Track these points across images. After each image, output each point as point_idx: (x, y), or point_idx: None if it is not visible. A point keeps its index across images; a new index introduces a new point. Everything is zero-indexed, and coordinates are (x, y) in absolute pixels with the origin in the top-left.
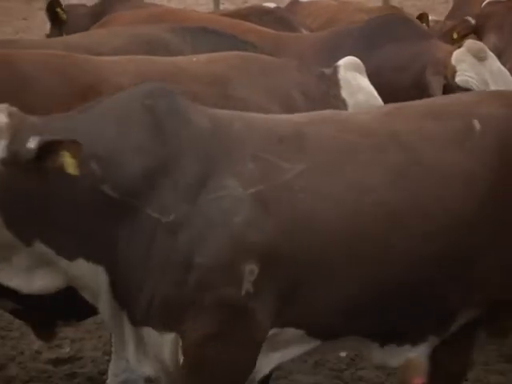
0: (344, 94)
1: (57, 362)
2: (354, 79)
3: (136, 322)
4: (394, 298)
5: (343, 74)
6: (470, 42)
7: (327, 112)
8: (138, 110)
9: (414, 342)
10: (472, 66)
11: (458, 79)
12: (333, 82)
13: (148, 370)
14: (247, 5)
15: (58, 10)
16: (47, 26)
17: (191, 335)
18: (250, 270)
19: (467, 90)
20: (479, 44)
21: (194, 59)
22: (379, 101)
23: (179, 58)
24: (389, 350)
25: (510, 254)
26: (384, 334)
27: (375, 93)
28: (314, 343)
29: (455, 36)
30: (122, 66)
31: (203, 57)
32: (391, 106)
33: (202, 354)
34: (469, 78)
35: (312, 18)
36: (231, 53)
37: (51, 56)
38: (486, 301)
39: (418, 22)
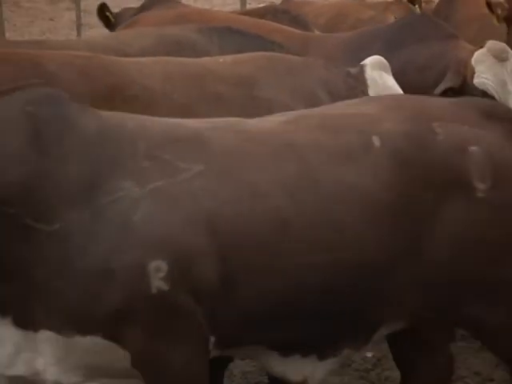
0: (371, 92)
1: None
2: (380, 78)
3: (29, 326)
4: (296, 308)
5: (370, 73)
6: (492, 43)
7: (232, 119)
8: (17, 117)
9: (323, 355)
10: (490, 68)
11: (476, 81)
12: (359, 80)
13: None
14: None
15: (108, 14)
16: (74, 26)
17: (130, 343)
18: (156, 266)
19: (484, 92)
20: (501, 44)
21: (221, 60)
22: None
23: (206, 59)
24: (290, 362)
25: (422, 271)
26: (288, 344)
27: (401, 92)
28: (215, 352)
29: (500, 12)
30: (148, 68)
31: (230, 58)
32: (296, 113)
33: (149, 359)
34: (485, 80)
35: (314, 15)
36: (257, 53)
37: (77, 57)
38: (403, 316)
39: (443, 22)
